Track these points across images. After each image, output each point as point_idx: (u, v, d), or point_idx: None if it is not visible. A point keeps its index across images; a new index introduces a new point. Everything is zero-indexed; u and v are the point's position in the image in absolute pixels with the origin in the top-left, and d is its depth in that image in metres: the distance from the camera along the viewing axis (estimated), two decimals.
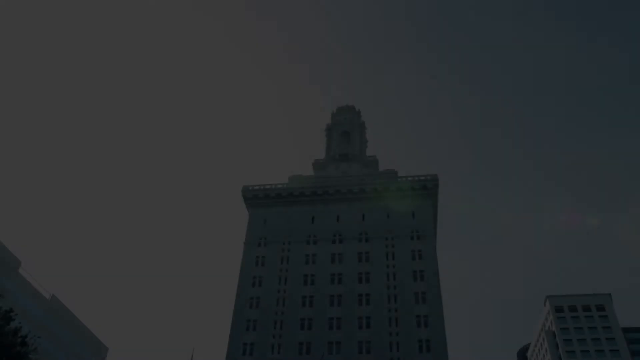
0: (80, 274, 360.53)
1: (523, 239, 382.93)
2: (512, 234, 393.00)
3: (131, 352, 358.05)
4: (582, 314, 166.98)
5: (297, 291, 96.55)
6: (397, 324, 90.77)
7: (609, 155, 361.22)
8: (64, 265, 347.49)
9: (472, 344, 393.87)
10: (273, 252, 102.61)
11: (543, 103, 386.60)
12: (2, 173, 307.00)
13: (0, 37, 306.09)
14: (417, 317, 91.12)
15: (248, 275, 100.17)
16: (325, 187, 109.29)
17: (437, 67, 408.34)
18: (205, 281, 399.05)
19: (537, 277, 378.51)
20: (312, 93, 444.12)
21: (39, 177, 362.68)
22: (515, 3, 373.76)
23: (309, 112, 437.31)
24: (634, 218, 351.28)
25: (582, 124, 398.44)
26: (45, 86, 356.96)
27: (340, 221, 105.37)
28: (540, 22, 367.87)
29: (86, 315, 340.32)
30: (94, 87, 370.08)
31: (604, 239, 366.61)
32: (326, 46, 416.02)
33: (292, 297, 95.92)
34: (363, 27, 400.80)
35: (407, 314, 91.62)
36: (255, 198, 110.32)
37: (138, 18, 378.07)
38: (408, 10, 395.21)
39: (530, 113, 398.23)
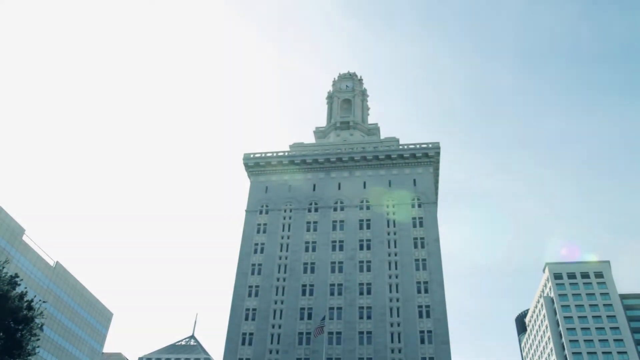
0: (84, 241, 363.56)
1: (523, 206, 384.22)
2: (513, 201, 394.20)
3: (135, 318, 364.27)
4: (580, 281, 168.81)
5: (298, 258, 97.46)
6: (397, 290, 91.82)
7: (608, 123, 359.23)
8: (68, 232, 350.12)
9: (472, 310, 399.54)
10: (274, 220, 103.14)
11: (546, 68, 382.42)
12: (4, 141, 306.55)
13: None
14: (417, 284, 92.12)
15: (250, 242, 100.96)
16: (326, 154, 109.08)
17: (440, 34, 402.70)
18: (208, 249, 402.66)
19: (537, 244, 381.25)
20: (313, 61, 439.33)
21: (41, 143, 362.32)
22: None
23: (310, 80, 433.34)
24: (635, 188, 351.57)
25: (586, 86, 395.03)
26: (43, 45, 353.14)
27: (342, 189, 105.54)
28: None
29: (90, 282, 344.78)
30: (98, 43, 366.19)
31: (605, 206, 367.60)
32: (327, 13, 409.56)
33: (294, 264, 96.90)
34: None
35: (408, 280, 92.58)
36: (256, 166, 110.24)
37: None
38: None
39: (532, 81, 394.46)
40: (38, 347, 34.08)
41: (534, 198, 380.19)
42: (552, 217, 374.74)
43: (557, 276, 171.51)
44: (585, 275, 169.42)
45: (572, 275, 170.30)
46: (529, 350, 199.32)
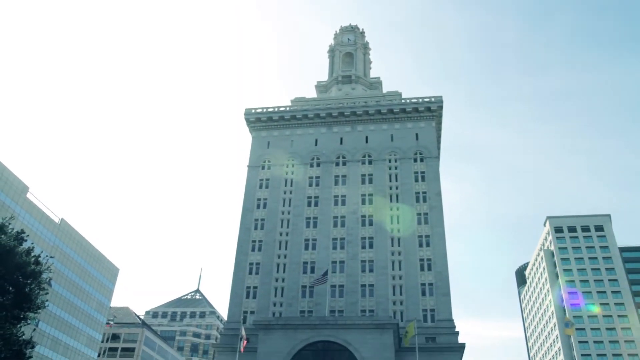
0: (88, 198, 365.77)
1: (525, 161, 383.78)
2: (514, 156, 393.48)
3: (141, 273, 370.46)
4: (581, 234, 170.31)
5: (300, 213, 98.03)
6: (399, 243, 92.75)
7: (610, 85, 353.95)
8: (72, 190, 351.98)
9: (472, 263, 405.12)
10: (276, 175, 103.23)
11: (550, 24, 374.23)
12: (6, 98, 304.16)
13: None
14: (419, 237, 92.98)
15: (252, 197, 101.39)
16: (328, 109, 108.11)
17: None
18: (211, 205, 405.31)
19: (538, 198, 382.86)
20: (314, 14, 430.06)
21: (42, 98, 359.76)
22: None
23: (311, 34, 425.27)
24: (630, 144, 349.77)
25: (589, 42, 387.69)
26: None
27: (344, 143, 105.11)
28: None
29: (96, 238, 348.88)
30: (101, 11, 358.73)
31: (606, 161, 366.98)
32: None
33: (296, 219, 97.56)
34: None
35: (410, 234, 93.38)
36: (258, 121, 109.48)
37: None
38: None
39: (535, 36, 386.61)
40: (47, 301, 34.64)
41: (535, 153, 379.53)
42: (553, 172, 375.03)
43: (558, 229, 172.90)
44: (585, 229, 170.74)
45: (572, 229, 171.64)
46: (527, 302, 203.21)
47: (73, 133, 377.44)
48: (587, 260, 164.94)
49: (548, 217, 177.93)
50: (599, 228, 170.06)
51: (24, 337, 29.84)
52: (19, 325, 30.84)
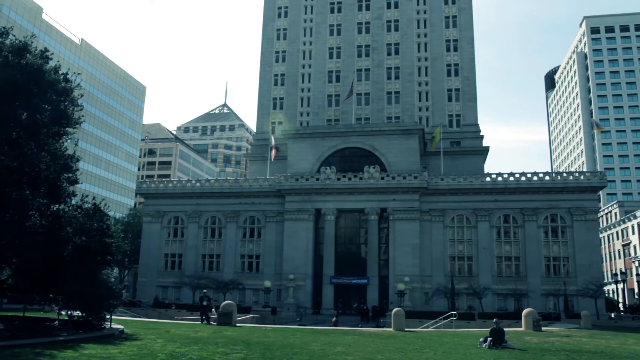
0: (106, 18, 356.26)
1: None
2: None
3: (168, 90, 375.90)
4: (618, 34, 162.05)
5: (323, 20, 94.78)
6: (426, 49, 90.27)
7: None
8: (89, 11, 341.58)
9: (501, 68, 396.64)
10: None
11: None
12: None
13: None
14: (446, 42, 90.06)
15: (273, 5, 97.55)
16: None
17: None
18: (233, 17, 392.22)
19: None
20: None
21: None
22: None
23: None
24: None
25: None
26: None
27: None
28: None
29: (118, 58, 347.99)
30: None
31: None
32: None
33: (319, 27, 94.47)
34: None
35: (437, 39, 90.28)
36: None
37: None
38: None
39: None
40: (82, 116, 35.52)
41: None
42: None
43: (594, 30, 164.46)
44: (624, 28, 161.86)
45: (610, 29, 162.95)
46: (555, 106, 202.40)
47: None
48: (622, 62, 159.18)
49: (585, 17, 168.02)
50: (639, 28, 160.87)
51: (67, 152, 31.29)
52: (60, 141, 32.09)
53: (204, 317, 37.43)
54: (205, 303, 38.28)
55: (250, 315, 51.04)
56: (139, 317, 46.47)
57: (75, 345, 20.36)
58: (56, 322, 27.16)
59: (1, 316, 30.07)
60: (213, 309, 39.99)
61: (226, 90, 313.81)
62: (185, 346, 21.40)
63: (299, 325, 47.54)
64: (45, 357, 17.22)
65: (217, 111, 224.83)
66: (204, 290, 48.64)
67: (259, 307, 64.51)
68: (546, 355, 22.83)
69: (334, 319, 53.33)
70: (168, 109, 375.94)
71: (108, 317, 27.33)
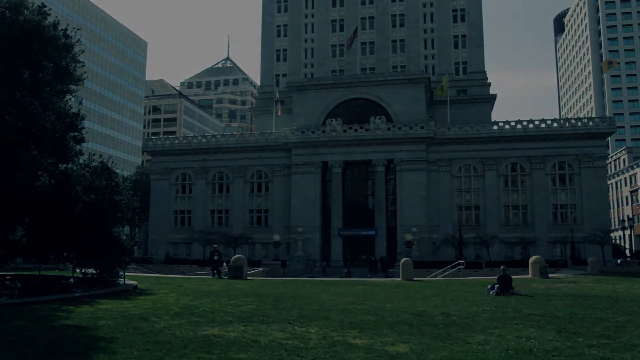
0: None
1: None
2: None
3: (170, 45, 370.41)
4: None
5: None
6: None
7: None
8: None
9: (508, 12, 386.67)
10: None
11: None
12: None
13: None
14: None
15: None
16: None
17: None
18: None
19: None
20: None
21: None
22: None
23: None
24: None
25: None
26: None
27: None
28: None
29: (117, 14, 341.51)
30: None
31: None
32: None
33: None
34: None
35: None
36: None
37: None
38: None
39: None
40: (85, 73, 35.00)
41: None
42: None
43: None
44: None
45: None
46: (564, 51, 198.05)
47: None
48: (635, 2, 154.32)
49: None
50: None
51: (72, 110, 30.96)
52: (65, 99, 31.71)
53: (215, 271, 38.03)
54: (216, 257, 38.83)
55: (261, 269, 51.88)
56: (152, 273, 47.34)
57: (91, 300, 20.81)
58: (71, 280, 27.67)
59: (18, 275, 30.69)
60: (224, 263, 40.62)
61: (228, 43, 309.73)
62: (198, 299, 21.81)
63: (309, 277, 48.33)
64: (63, 312, 17.62)
65: (220, 65, 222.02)
66: (215, 245, 49.30)
67: (268, 260, 65.49)
68: (553, 300, 23.11)
69: (346, 270, 54.21)
70: (170, 64, 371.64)
71: (121, 273, 27.81)
